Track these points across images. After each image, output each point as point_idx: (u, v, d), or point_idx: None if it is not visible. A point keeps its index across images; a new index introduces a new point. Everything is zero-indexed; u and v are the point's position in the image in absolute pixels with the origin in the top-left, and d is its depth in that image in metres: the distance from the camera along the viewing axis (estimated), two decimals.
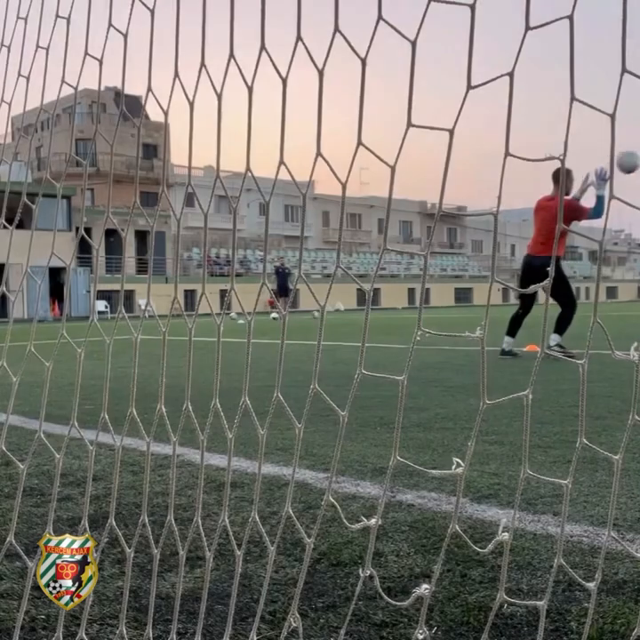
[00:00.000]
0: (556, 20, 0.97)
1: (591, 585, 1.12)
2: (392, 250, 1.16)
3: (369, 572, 1.20)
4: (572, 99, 0.99)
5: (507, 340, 7.76)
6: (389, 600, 1.35)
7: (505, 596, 1.16)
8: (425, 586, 1.19)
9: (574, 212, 7.55)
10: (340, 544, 2.07)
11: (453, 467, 1.16)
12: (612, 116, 0.99)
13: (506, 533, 1.14)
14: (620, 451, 1.11)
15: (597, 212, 7.61)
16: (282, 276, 24.54)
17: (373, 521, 1.19)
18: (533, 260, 7.82)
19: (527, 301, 8.01)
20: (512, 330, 7.77)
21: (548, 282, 1.15)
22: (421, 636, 1.18)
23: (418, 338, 1.14)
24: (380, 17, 1.03)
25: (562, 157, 1.02)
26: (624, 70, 0.95)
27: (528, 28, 0.99)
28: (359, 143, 1.09)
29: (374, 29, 1.04)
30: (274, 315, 20.57)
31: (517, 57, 1.00)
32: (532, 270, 7.83)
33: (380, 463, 3.09)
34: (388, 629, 1.57)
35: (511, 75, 1.01)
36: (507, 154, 1.03)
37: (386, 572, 1.88)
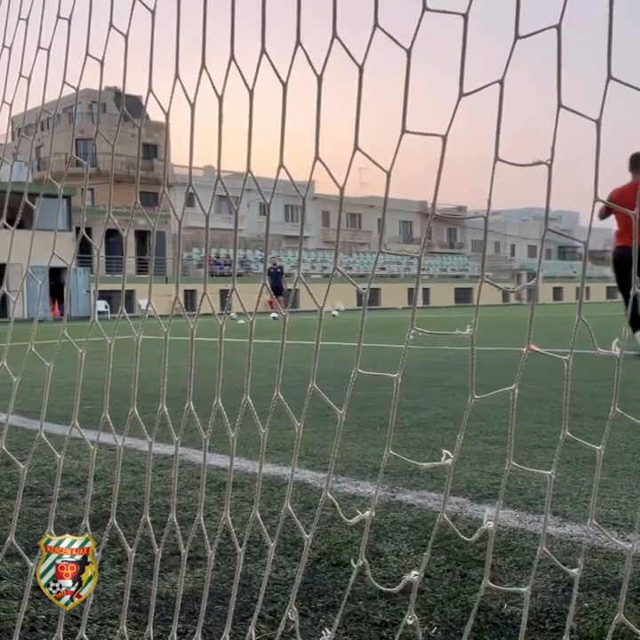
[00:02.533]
0: (544, 29, 0.98)
1: (574, 571, 1.13)
2: (388, 252, 1.17)
3: (361, 562, 1.21)
4: (559, 105, 1.00)
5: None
6: (379, 586, 1.35)
7: (490, 583, 1.16)
8: (414, 572, 1.20)
9: None
10: (340, 544, 2.07)
11: (443, 458, 1.17)
12: (598, 122, 0.99)
13: (490, 522, 1.15)
14: (603, 442, 1.12)
15: None
16: (274, 275, 24.26)
17: (368, 513, 1.20)
18: (622, 250, 7.61)
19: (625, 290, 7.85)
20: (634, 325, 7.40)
21: (534, 282, 1.16)
22: (411, 621, 1.18)
23: (411, 337, 1.14)
24: (376, 24, 1.03)
25: (549, 162, 1.03)
26: (609, 77, 0.96)
27: (517, 36, 1.00)
28: (356, 148, 1.10)
29: (371, 37, 1.04)
30: (274, 315, 20.52)
31: (507, 65, 1.01)
32: (623, 261, 7.63)
33: (380, 463, 3.09)
34: (388, 629, 1.57)
35: (501, 82, 1.02)
36: (496, 159, 1.03)
37: (386, 571, 1.89)
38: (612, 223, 8.24)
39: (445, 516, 1.16)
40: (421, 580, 1.80)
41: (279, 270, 24.74)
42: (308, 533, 1.27)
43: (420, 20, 1.02)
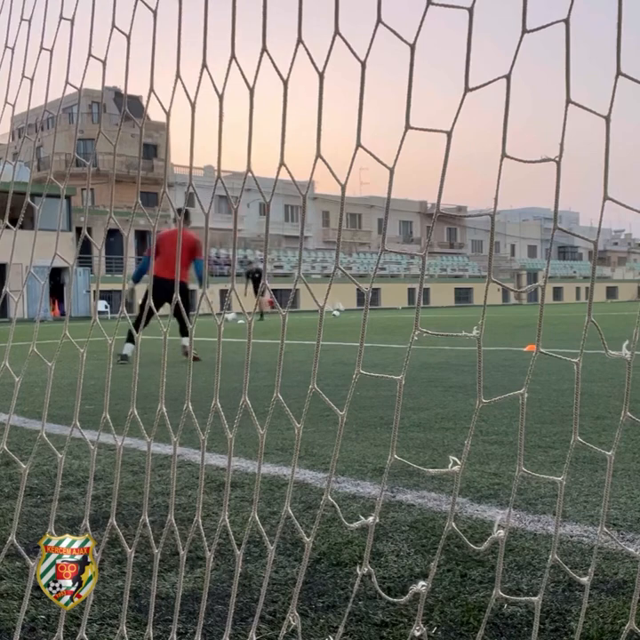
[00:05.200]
0: (553, 23, 0.98)
1: (585, 579, 1.13)
2: (390, 251, 1.17)
3: (366, 569, 1.20)
4: (568, 101, 1.00)
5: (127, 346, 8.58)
6: (386, 597, 1.35)
7: (501, 593, 1.16)
8: (421, 583, 1.19)
9: (195, 250, 8.85)
10: (340, 544, 2.07)
11: (450, 465, 1.16)
12: (607, 119, 0.99)
13: (501, 531, 1.14)
14: (613, 447, 1.11)
15: (199, 270, 8.97)
16: (255, 279, 23.97)
17: (371, 519, 1.19)
18: (164, 282, 8.47)
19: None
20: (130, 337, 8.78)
21: (542, 283, 1.15)
22: (418, 633, 1.18)
23: (416, 337, 1.14)
24: (379, 20, 1.03)
25: (557, 159, 1.02)
26: (619, 73, 0.96)
27: (525, 30, 0.99)
28: (358, 145, 1.10)
29: (374, 33, 1.04)
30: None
31: (514, 59, 1.01)
32: (163, 290, 8.71)
33: (380, 463, 3.09)
34: (388, 629, 1.57)
35: (508, 77, 1.02)
36: (503, 156, 1.03)
37: (386, 572, 1.88)
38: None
39: (454, 525, 1.15)
40: (421, 580, 1.80)
41: (257, 275, 24.44)
42: (308, 535, 1.27)
43: (425, 14, 1.02)
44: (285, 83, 1.14)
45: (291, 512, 1.27)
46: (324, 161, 1.14)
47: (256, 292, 22.54)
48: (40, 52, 1.47)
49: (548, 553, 2.00)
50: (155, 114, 1.60)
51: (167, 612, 1.66)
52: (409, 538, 2.13)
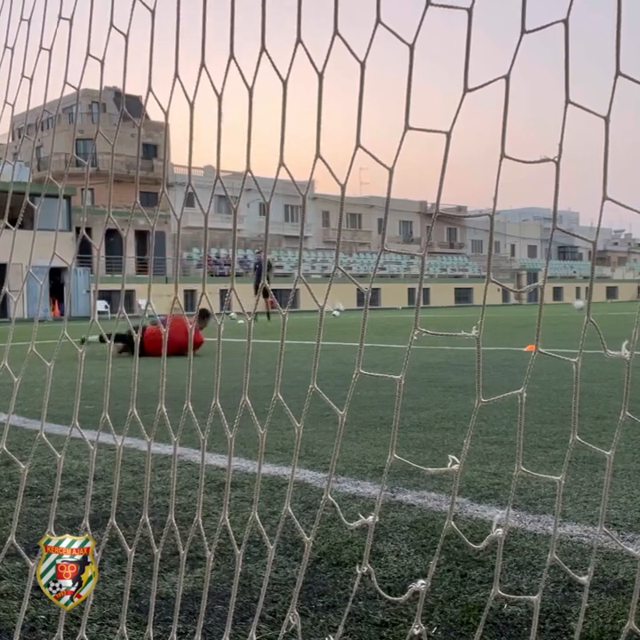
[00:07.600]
0: (552, 23, 0.98)
1: (584, 579, 1.13)
2: (390, 251, 1.17)
3: (366, 568, 1.20)
4: (567, 101, 1.00)
5: None
6: (386, 596, 1.35)
7: (500, 592, 1.16)
8: (421, 581, 1.19)
9: None
10: (340, 544, 2.07)
11: (449, 464, 1.16)
12: (606, 119, 0.99)
13: (500, 530, 1.14)
14: (612, 447, 1.11)
15: None
16: (260, 271, 22.52)
17: (371, 519, 1.19)
18: None
19: None
20: None
21: (541, 282, 1.15)
22: (417, 631, 1.18)
23: (415, 337, 1.14)
24: (378, 20, 1.03)
25: (557, 159, 1.02)
26: (618, 73, 0.96)
27: (524, 31, 0.99)
28: (357, 145, 1.09)
29: (373, 33, 1.04)
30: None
31: (513, 60, 1.01)
32: None
33: (380, 463, 3.09)
34: (388, 629, 1.57)
35: (507, 77, 1.02)
36: (502, 156, 1.03)
37: (386, 572, 1.88)
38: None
39: (453, 523, 1.15)
40: (421, 579, 1.80)
41: (257, 266, 23.07)
42: (308, 535, 1.27)
43: (424, 14, 1.02)
44: (285, 82, 1.14)
45: (291, 512, 1.27)
46: (323, 161, 1.14)
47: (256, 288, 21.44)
48: (39, 52, 1.47)
49: (548, 553, 1.99)
50: (154, 114, 1.60)
51: (167, 612, 1.66)
52: (409, 538, 2.13)
